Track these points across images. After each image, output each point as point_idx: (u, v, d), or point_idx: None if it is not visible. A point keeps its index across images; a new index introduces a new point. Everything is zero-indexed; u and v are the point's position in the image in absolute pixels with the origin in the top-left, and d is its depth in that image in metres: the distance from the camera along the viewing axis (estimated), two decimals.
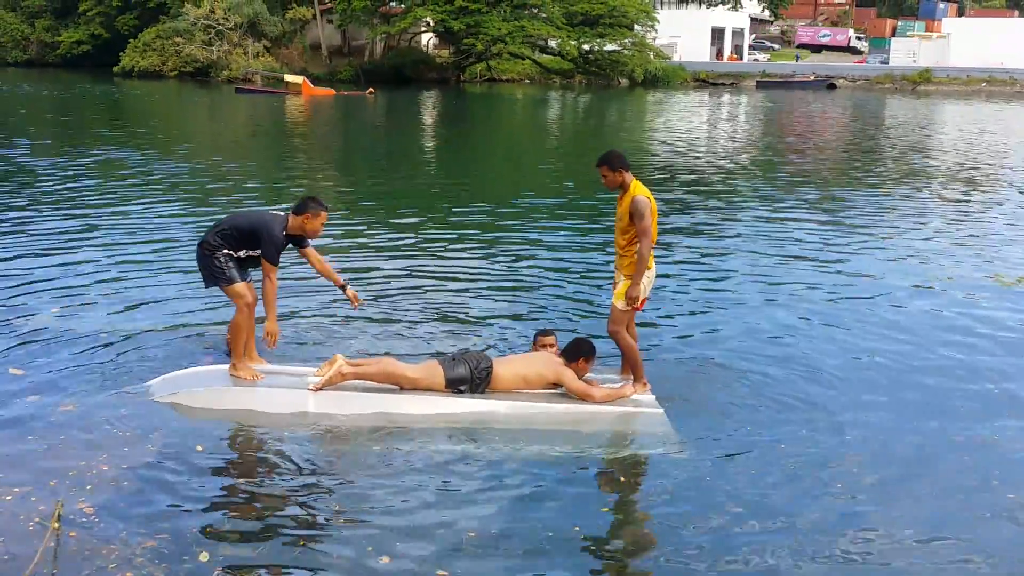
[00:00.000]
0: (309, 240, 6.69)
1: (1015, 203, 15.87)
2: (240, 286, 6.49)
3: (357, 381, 6.27)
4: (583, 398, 6.29)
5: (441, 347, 7.58)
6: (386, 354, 6.99)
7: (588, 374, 6.53)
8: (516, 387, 6.36)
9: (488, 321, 8.43)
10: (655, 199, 6.49)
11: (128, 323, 8.01)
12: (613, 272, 6.73)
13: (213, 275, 6.52)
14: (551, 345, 6.94)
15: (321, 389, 6.17)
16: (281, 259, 6.58)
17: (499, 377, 6.31)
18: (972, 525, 4.99)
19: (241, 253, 6.53)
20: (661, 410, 6.26)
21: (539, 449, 5.75)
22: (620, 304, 6.44)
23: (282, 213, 6.60)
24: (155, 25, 58.20)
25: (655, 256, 6.64)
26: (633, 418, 6.22)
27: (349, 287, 6.88)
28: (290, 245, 6.62)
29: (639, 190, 6.36)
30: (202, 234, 6.80)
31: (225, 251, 6.48)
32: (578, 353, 6.46)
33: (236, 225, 6.53)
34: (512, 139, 29.36)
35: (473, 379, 6.26)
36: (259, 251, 6.43)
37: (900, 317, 8.76)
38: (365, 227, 12.91)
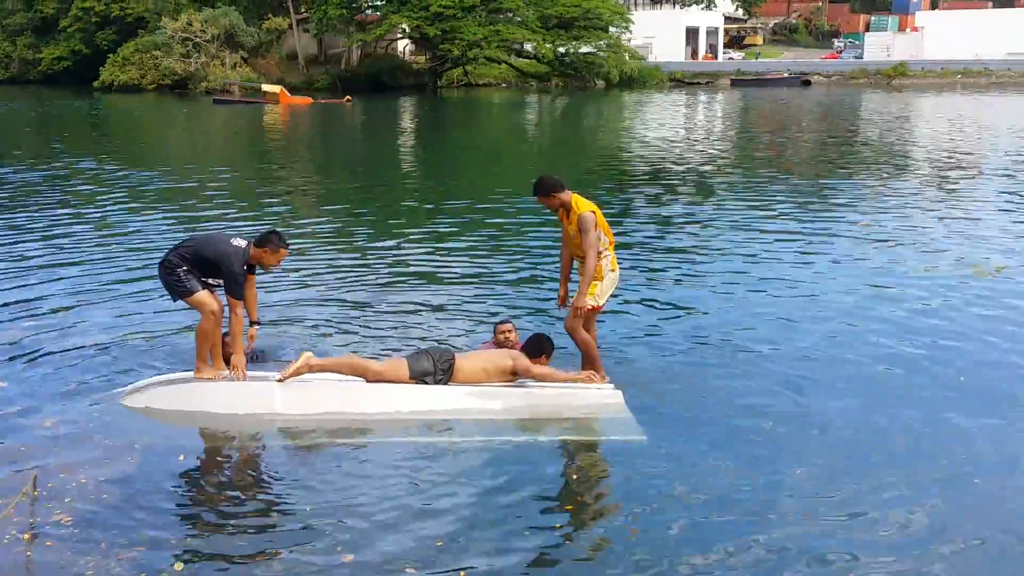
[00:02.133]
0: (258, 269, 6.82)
1: (992, 193, 16.04)
2: (202, 295, 6.59)
3: (323, 374, 6.49)
4: (546, 379, 6.54)
5: (409, 343, 7.88)
6: (353, 353, 7.24)
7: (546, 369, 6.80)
8: (478, 380, 6.59)
9: (456, 317, 8.77)
10: (600, 209, 6.72)
11: (102, 333, 8.20)
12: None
13: (176, 289, 6.66)
14: (509, 331, 7.33)
15: (286, 379, 6.36)
16: None
17: (461, 370, 6.56)
18: (938, 511, 5.10)
19: (204, 279, 6.63)
20: (621, 398, 6.48)
21: (500, 438, 5.97)
22: (580, 303, 6.67)
23: (244, 244, 6.60)
24: (134, 40, 58.22)
25: (618, 258, 6.88)
26: (592, 405, 6.45)
27: (257, 328, 6.91)
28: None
29: (583, 206, 6.57)
30: (166, 252, 6.89)
31: (184, 268, 6.58)
32: (540, 349, 6.75)
33: (199, 254, 6.58)
34: (490, 143, 29.54)
35: (436, 371, 6.51)
36: (221, 281, 6.57)
37: (875, 308, 8.92)
38: (340, 228, 13.22)
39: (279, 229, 6.92)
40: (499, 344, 7.48)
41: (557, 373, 6.64)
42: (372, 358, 6.96)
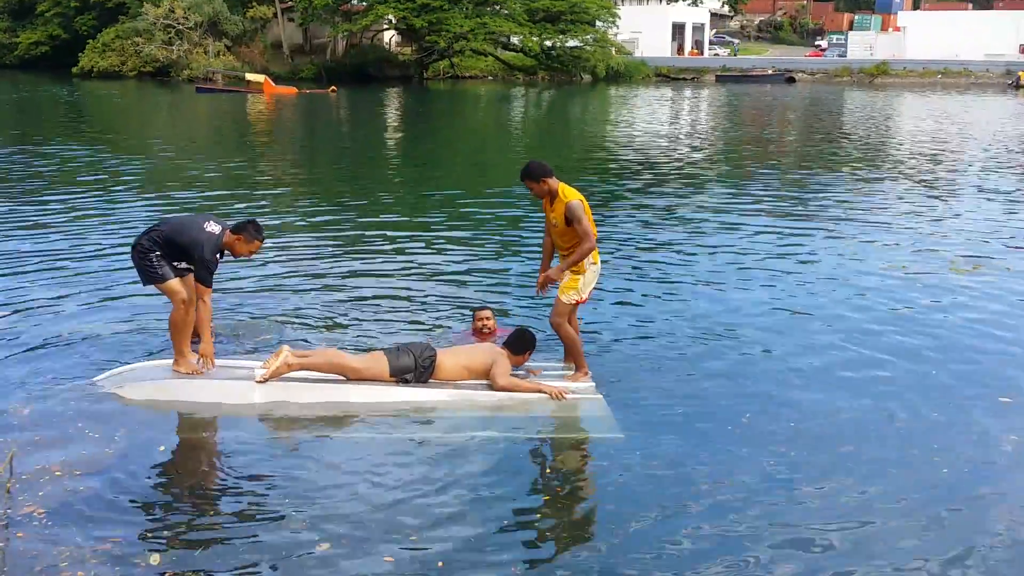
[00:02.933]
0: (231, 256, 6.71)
1: (971, 192, 16.16)
2: (174, 282, 6.49)
3: (303, 372, 6.40)
4: (514, 390, 6.43)
5: (390, 330, 7.86)
6: (333, 345, 7.14)
7: (527, 363, 6.78)
8: (460, 377, 6.54)
9: (438, 305, 8.76)
10: (587, 199, 6.70)
11: (80, 322, 8.09)
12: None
13: (147, 274, 6.54)
14: (488, 318, 7.38)
15: (267, 381, 6.30)
16: (221, 267, 6.68)
17: (443, 367, 6.50)
18: (914, 505, 5.16)
19: (175, 264, 6.54)
20: (600, 396, 6.46)
21: (480, 436, 5.92)
22: (565, 298, 6.64)
23: (218, 229, 6.50)
24: (114, 25, 57.52)
25: (600, 250, 6.83)
26: (572, 404, 6.40)
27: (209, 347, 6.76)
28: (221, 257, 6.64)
29: (571, 194, 6.52)
30: (138, 235, 6.76)
31: (157, 253, 6.47)
32: (524, 345, 6.69)
33: (171, 239, 6.47)
34: (475, 135, 29.48)
35: (417, 368, 6.44)
36: (192, 267, 6.48)
37: (853, 304, 8.96)
38: (323, 218, 13.12)
39: (258, 221, 6.77)
40: (477, 331, 7.47)
41: (524, 384, 6.51)
42: (351, 350, 6.86)
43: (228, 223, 6.68)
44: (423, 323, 8.21)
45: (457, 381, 6.54)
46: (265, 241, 6.70)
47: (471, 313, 7.77)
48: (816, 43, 77.67)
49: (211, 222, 6.55)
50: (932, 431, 6.15)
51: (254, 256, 7.00)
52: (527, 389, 6.46)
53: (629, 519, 4.96)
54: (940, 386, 6.94)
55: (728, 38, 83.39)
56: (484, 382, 6.55)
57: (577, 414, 6.34)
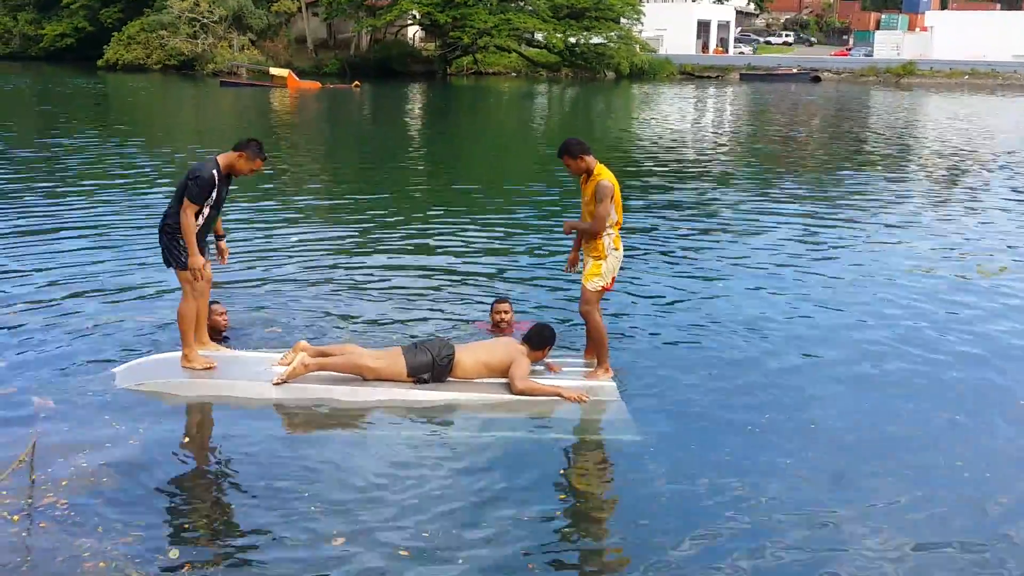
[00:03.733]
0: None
1: (997, 194, 15.99)
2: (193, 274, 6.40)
3: (320, 372, 6.32)
4: (531, 393, 6.29)
5: (408, 321, 7.91)
6: (350, 341, 7.02)
7: (547, 358, 6.70)
8: (479, 374, 6.43)
9: (458, 299, 8.76)
10: (619, 184, 6.62)
11: (101, 312, 8.07)
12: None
13: (172, 256, 6.44)
14: (506, 311, 7.33)
15: (284, 383, 6.22)
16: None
17: (461, 364, 6.40)
18: (935, 507, 5.08)
19: (200, 220, 6.38)
20: (620, 399, 6.32)
21: (497, 436, 5.84)
22: (590, 285, 6.56)
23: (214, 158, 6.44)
24: (139, 18, 57.90)
25: (622, 237, 6.74)
26: (592, 406, 6.26)
27: (224, 241, 6.80)
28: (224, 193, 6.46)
29: (604, 174, 6.46)
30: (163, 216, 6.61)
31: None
32: (543, 341, 6.59)
33: (178, 189, 6.41)
34: (498, 130, 29.41)
35: (435, 366, 6.33)
36: (209, 207, 6.34)
37: (876, 305, 8.84)
38: (344, 210, 13.06)
39: (261, 142, 6.57)
40: (495, 324, 7.38)
41: (543, 387, 6.35)
42: (370, 347, 6.75)
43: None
44: (443, 312, 8.20)
45: (476, 380, 6.43)
46: (267, 160, 6.52)
47: (490, 306, 7.70)
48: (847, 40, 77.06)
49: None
50: (955, 435, 6.04)
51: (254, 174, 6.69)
52: (546, 392, 6.32)
53: (645, 519, 4.89)
54: (964, 389, 6.82)
55: (753, 36, 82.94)
56: (502, 381, 6.42)
57: (597, 417, 6.19)
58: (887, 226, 12.85)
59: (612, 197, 6.43)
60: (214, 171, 6.31)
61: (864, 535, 4.77)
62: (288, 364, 6.30)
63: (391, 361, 6.35)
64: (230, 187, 6.56)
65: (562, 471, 5.60)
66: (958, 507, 5.10)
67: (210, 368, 6.45)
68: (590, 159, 6.50)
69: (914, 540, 4.74)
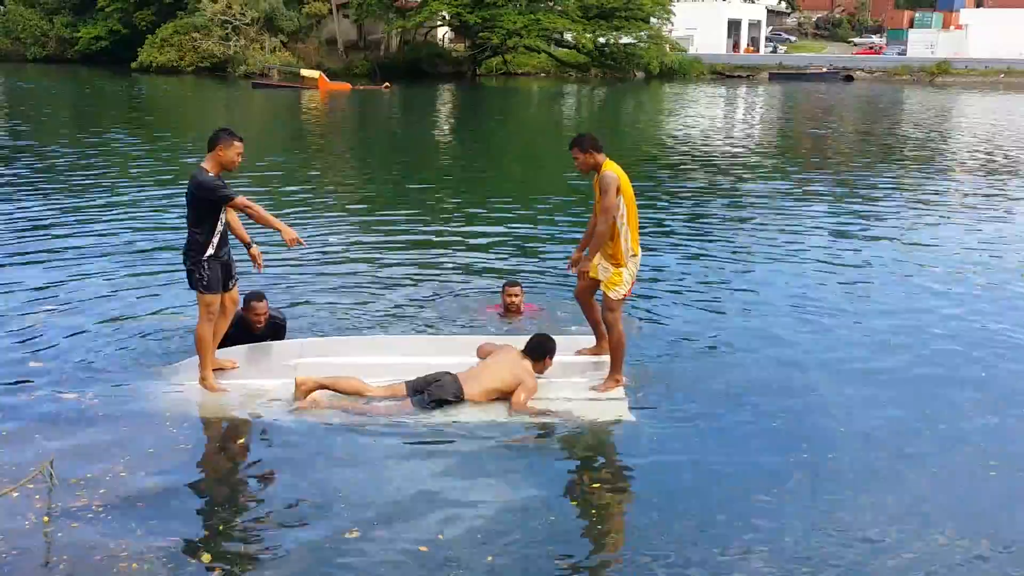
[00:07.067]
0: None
1: None
2: (212, 297, 6.38)
3: (339, 359, 6.57)
4: (534, 416, 6.24)
5: (428, 313, 8.24)
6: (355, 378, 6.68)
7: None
8: (489, 399, 6.33)
9: (474, 292, 8.94)
10: (631, 181, 6.55)
11: (130, 317, 8.20)
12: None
13: (193, 280, 6.41)
14: (517, 295, 7.50)
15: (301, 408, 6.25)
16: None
17: (470, 396, 6.28)
18: (956, 510, 5.08)
19: (219, 227, 6.35)
20: (629, 412, 6.26)
21: (506, 440, 5.88)
22: (612, 294, 6.51)
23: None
24: (172, 21, 58.45)
25: (641, 242, 6.70)
26: (600, 416, 6.23)
27: (254, 247, 6.74)
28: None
29: (611, 168, 6.40)
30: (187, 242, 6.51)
31: (208, 253, 6.32)
32: (544, 352, 6.57)
33: (189, 209, 6.38)
34: (529, 131, 29.44)
35: (442, 405, 6.22)
36: (220, 214, 6.33)
37: (910, 308, 8.80)
38: (372, 210, 13.25)
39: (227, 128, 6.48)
40: (506, 306, 7.43)
41: (543, 412, 6.29)
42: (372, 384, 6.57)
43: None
44: (460, 307, 8.39)
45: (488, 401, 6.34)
46: (243, 141, 6.38)
47: (501, 288, 7.77)
48: (858, 40, 76.28)
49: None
50: (979, 440, 5.99)
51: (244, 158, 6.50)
52: (541, 413, 6.28)
53: (656, 536, 4.86)
54: (992, 395, 6.75)
55: (785, 35, 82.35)
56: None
57: (606, 426, 6.16)
58: (925, 228, 12.77)
59: (619, 189, 6.34)
60: (209, 174, 6.26)
61: (883, 538, 4.77)
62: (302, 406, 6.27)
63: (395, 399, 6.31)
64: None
65: (567, 475, 5.62)
66: (991, 508, 5.09)
67: (223, 392, 6.45)
68: (600, 156, 6.46)
69: (940, 539, 4.75)
